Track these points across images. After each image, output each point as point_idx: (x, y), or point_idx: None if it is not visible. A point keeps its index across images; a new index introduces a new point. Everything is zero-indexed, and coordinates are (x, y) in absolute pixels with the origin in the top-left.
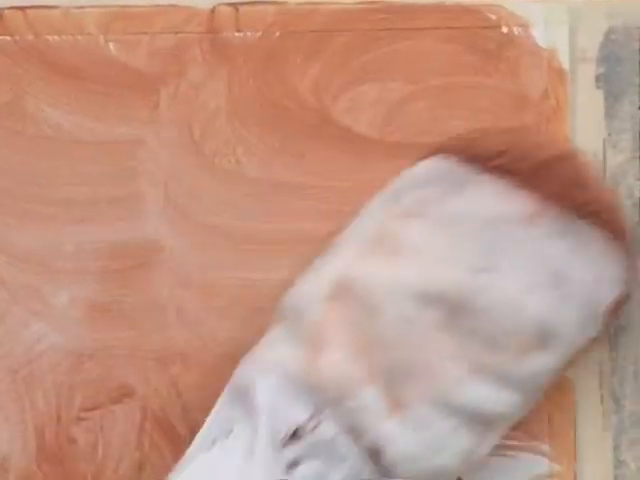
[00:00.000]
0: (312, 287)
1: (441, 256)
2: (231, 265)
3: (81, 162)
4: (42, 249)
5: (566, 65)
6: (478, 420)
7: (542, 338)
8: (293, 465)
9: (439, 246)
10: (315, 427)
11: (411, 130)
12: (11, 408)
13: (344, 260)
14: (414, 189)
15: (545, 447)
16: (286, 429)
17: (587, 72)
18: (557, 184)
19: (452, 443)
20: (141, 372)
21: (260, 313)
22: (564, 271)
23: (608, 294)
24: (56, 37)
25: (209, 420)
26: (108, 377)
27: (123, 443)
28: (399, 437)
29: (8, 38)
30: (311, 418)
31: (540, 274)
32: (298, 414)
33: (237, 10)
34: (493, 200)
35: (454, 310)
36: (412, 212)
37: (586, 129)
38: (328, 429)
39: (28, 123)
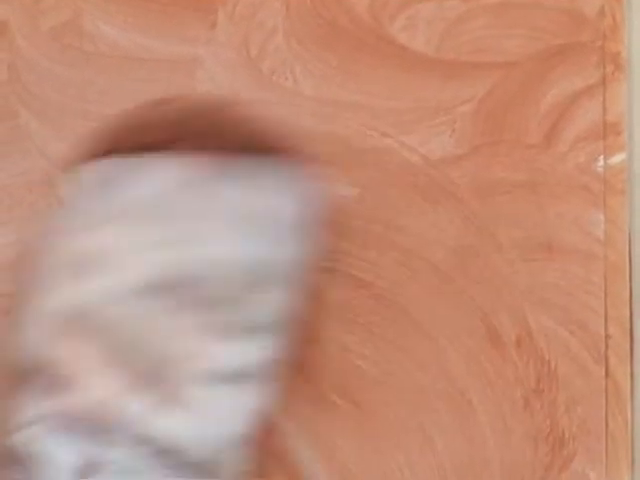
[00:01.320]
0: (38, 332)
1: (144, 246)
2: None
3: (138, 80)
4: None
5: None
6: (249, 375)
7: (257, 278)
8: None
9: (138, 239)
10: (106, 457)
11: (468, 48)
12: None
13: (58, 294)
14: (84, 199)
15: None
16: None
17: None
18: (217, 137)
19: (232, 409)
20: None
21: None
22: (252, 210)
23: (291, 210)
24: None
25: None
26: None
27: None
28: (178, 424)
29: None
30: (100, 450)
31: (234, 222)
32: (88, 450)
33: None
34: (172, 174)
35: (177, 290)
36: (92, 222)
37: None
38: (119, 454)
39: (85, 41)
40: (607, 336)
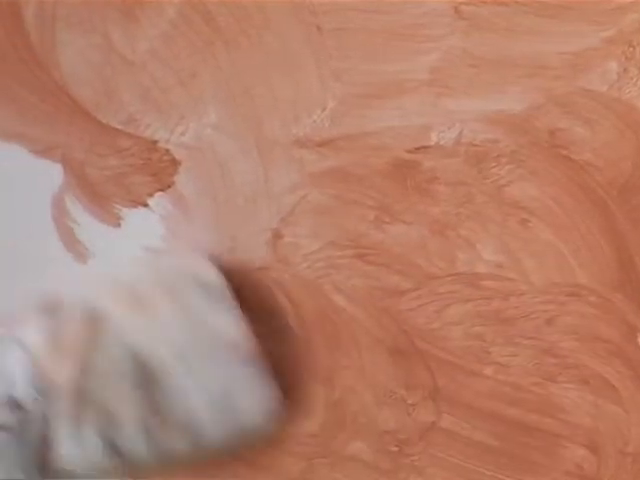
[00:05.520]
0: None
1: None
2: None
3: None
4: None
5: None
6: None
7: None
8: None
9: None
10: (31, 408)
11: None
12: None
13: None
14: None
15: None
16: (9, 396)
17: None
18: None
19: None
20: None
21: None
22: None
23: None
24: None
25: None
26: None
27: None
28: (66, 447)
29: None
30: (33, 400)
31: (214, 394)
32: (25, 391)
33: None
34: (228, 324)
35: (150, 379)
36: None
37: None
38: (37, 414)
39: None
40: None
